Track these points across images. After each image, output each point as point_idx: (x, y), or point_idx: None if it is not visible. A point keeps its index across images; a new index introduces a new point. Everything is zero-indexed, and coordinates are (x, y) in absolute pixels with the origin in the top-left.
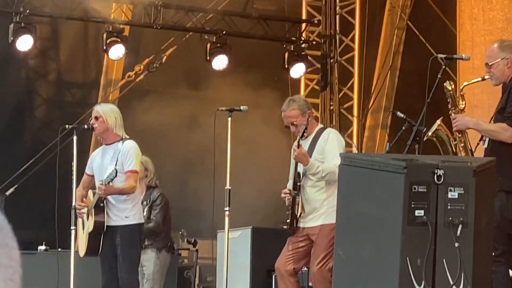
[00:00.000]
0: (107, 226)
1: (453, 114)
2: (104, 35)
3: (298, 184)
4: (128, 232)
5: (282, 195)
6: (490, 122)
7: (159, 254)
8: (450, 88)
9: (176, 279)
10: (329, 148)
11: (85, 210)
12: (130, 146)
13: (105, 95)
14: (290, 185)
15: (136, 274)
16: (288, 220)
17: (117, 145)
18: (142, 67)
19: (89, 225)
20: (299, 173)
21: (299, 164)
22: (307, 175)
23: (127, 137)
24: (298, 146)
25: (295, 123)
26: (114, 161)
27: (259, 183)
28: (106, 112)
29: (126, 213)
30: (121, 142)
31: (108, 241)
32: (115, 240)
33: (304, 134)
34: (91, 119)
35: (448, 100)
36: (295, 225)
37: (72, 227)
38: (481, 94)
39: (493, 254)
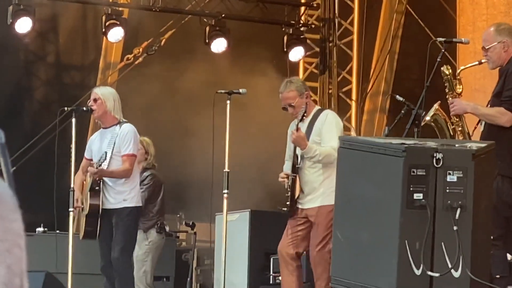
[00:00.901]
0: (105, 209)
1: (450, 99)
2: (103, 18)
3: (297, 166)
4: (126, 214)
5: (280, 179)
6: (487, 106)
7: (147, 235)
8: (447, 73)
9: (174, 262)
10: (327, 130)
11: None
12: (128, 129)
13: (103, 78)
14: (286, 166)
15: (130, 256)
16: (287, 202)
17: (115, 128)
18: (141, 50)
19: (86, 207)
20: (297, 155)
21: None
22: (304, 158)
23: (125, 120)
24: (297, 129)
25: (292, 104)
26: (111, 144)
27: (258, 166)
28: (104, 94)
29: (124, 195)
30: (118, 126)
31: (107, 224)
32: (112, 222)
33: (304, 118)
34: (90, 101)
35: (446, 85)
36: (294, 207)
37: (70, 209)
38: (483, 78)
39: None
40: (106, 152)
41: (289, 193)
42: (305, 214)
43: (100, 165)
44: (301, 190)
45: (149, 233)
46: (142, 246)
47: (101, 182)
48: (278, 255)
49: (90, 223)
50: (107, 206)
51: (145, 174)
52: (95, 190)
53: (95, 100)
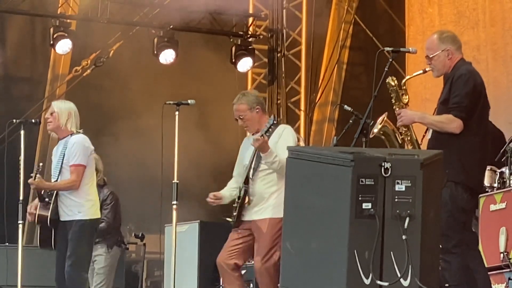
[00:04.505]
0: (62, 220)
1: (397, 109)
2: (51, 30)
3: (250, 178)
4: (79, 227)
5: (208, 199)
6: (433, 113)
7: (110, 250)
8: (393, 84)
9: (123, 273)
10: (284, 143)
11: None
12: (75, 140)
13: (52, 90)
14: (231, 182)
15: (82, 270)
16: (234, 213)
17: (67, 140)
18: (89, 61)
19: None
20: (249, 167)
21: (248, 157)
22: (257, 170)
23: (79, 131)
24: (262, 135)
25: (241, 117)
26: (61, 156)
27: (207, 177)
28: (60, 109)
29: (79, 208)
30: (69, 137)
31: (63, 235)
32: (68, 235)
33: (270, 130)
34: (48, 113)
35: (392, 96)
36: (240, 218)
37: (20, 222)
38: (435, 87)
39: (449, 245)
40: (40, 164)
41: (237, 204)
42: (248, 226)
43: (34, 177)
44: (249, 202)
45: (112, 249)
46: (105, 259)
47: (55, 194)
48: (218, 267)
49: (43, 233)
50: (63, 218)
51: (105, 192)
52: (45, 201)
53: (51, 114)
